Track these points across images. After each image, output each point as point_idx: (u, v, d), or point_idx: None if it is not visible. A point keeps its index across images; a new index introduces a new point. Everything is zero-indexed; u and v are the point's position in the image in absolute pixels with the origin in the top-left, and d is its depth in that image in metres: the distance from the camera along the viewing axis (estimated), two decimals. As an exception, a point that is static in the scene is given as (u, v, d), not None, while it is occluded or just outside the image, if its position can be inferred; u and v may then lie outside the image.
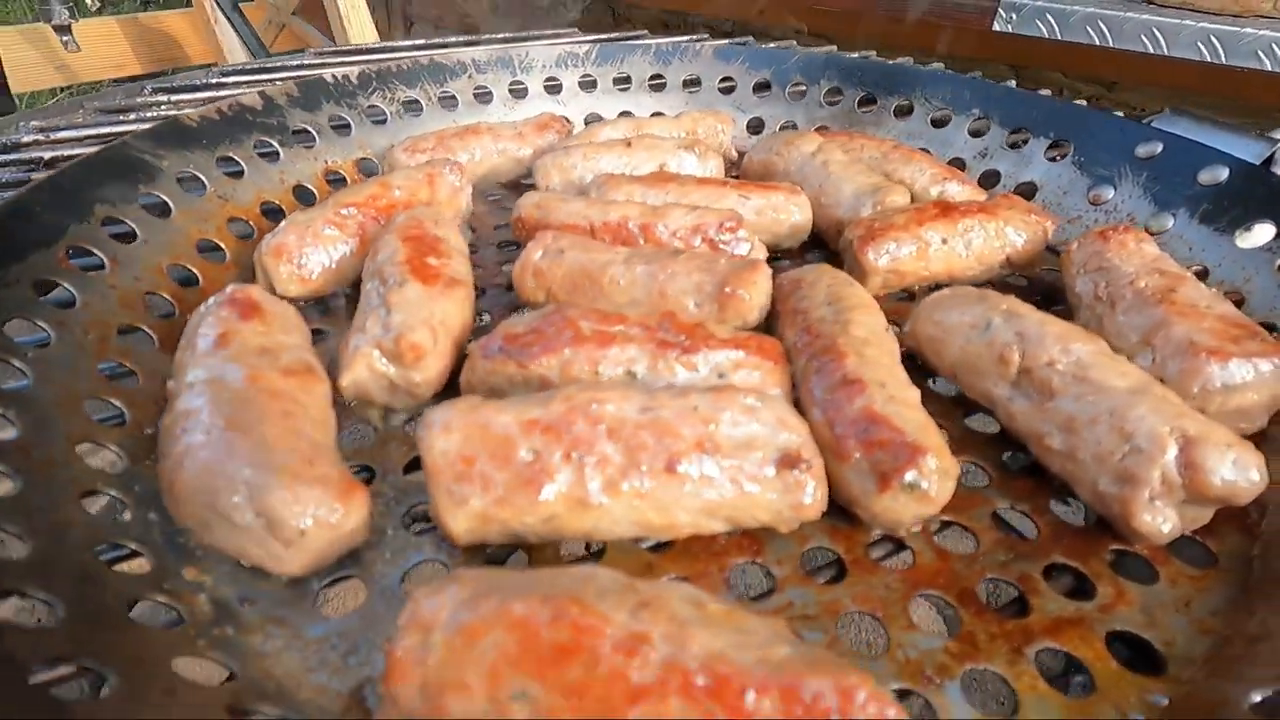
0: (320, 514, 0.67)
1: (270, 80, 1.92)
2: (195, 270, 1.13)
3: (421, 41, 2.30)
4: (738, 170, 1.63)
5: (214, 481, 0.65)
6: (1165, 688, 0.65)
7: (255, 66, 2.05)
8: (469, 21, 4.87)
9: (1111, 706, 0.63)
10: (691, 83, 1.86)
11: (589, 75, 1.83)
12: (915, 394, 0.82)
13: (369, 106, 1.57)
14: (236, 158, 1.31)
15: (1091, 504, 0.80)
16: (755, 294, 0.97)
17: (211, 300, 0.88)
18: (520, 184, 1.57)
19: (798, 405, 0.85)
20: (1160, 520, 0.74)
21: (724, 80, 1.86)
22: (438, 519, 0.69)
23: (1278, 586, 0.72)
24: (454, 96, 1.70)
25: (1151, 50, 2.88)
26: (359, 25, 3.85)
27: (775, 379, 0.85)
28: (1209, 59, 2.84)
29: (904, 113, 1.71)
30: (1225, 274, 1.14)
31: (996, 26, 2.93)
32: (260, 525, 0.66)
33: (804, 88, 1.82)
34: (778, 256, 1.34)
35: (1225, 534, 0.79)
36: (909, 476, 0.71)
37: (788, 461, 0.71)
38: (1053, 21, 2.92)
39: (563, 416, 0.70)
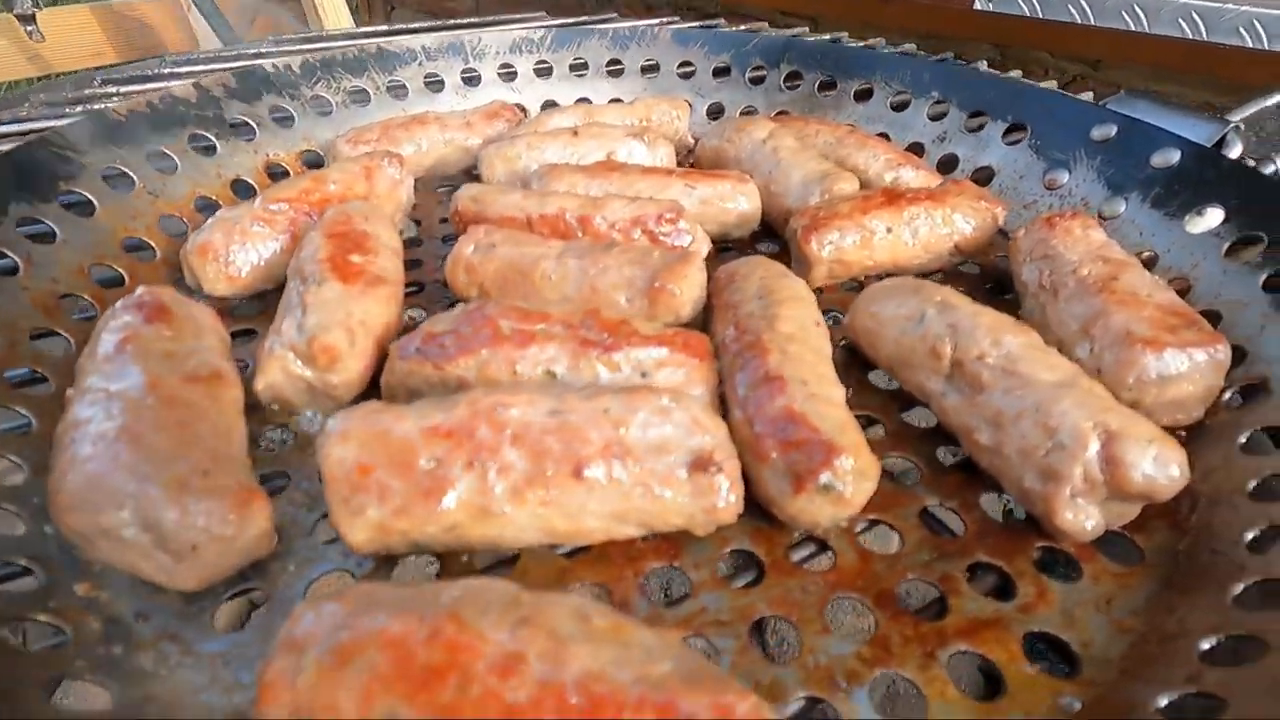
0: (212, 527, 0.65)
1: (225, 69, 1.88)
2: (122, 270, 1.10)
3: (385, 27, 2.25)
4: (694, 157, 1.60)
5: (97, 495, 0.63)
6: (1079, 690, 0.64)
7: (209, 55, 2.00)
8: (451, 6, 4.77)
9: (1021, 710, 0.62)
10: (650, 68, 1.82)
11: (544, 61, 1.79)
12: (839, 392, 0.80)
13: (313, 97, 1.53)
14: (169, 152, 1.27)
15: (1019, 500, 0.78)
16: (686, 288, 0.95)
17: (119, 303, 0.85)
18: (470, 174, 1.54)
19: (723, 402, 0.83)
20: (1083, 518, 0.72)
21: (683, 65, 1.82)
22: (336, 529, 0.67)
23: (1199, 581, 0.70)
24: (403, 85, 1.66)
25: (1133, 27, 2.85)
26: (334, 12, 3.76)
27: (700, 376, 0.83)
28: (1190, 36, 2.82)
29: (864, 97, 1.67)
30: (1174, 260, 1.12)
31: (978, 5, 2.89)
32: (148, 540, 0.64)
33: (764, 72, 1.78)
34: (727, 247, 1.31)
35: (1154, 529, 0.78)
36: (824, 478, 0.70)
37: (700, 464, 0.69)
38: (1034, -1, 2.88)
39: (465, 422, 0.68)
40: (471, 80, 1.74)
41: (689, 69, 1.82)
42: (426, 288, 1.19)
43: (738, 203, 1.25)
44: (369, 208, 1.11)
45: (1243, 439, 0.84)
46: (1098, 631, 0.68)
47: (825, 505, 0.71)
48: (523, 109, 1.75)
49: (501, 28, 2.00)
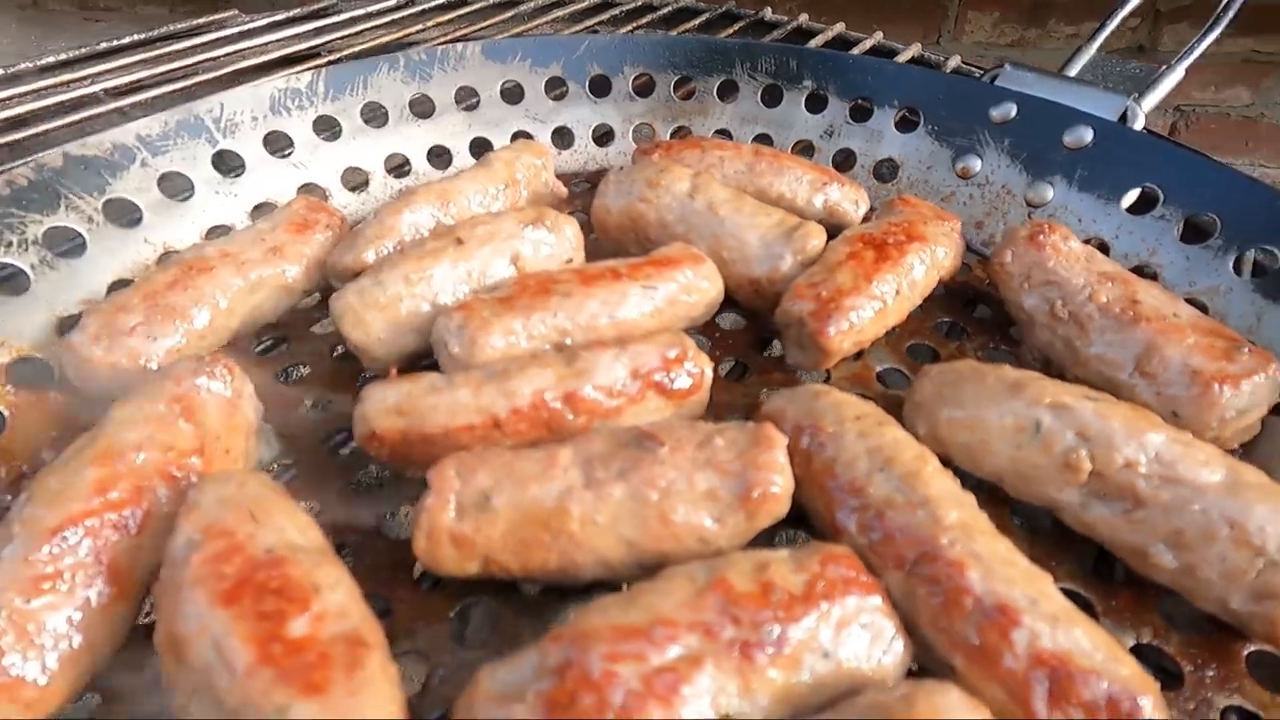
0: None
1: None
2: None
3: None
4: (572, 208, 1.30)
5: None
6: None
7: None
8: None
9: None
10: (467, 97, 1.43)
11: (325, 116, 1.31)
12: (1051, 584, 0.65)
13: (-13, 270, 0.94)
14: None
15: (1221, 616, 0.72)
16: (785, 479, 0.72)
17: None
18: (300, 310, 1.09)
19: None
20: (1311, 629, 0.68)
21: (506, 84, 1.45)
22: None
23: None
24: (131, 203, 1.09)
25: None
26: None
27: (884, 617, 0.63)
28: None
29: (729, 94, 1.48)
30: (1128, 247, 1.13)
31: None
32: None
33: (607, 80, 1.49)
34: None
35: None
36: (1141, 741, 0.55)
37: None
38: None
39: None
40: (231, 168, 1.21)
41: (514, 88, 1.46)
42: (349, 547, 0.80)
43: (704, 292, 1.01)
44: (237, 490, 0.68)
45: (1302, 446, 0.86)
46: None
47: (1135, 762, 0.57)
48: (320, 191, 1.28)
49: (228, 63, 1.43)
